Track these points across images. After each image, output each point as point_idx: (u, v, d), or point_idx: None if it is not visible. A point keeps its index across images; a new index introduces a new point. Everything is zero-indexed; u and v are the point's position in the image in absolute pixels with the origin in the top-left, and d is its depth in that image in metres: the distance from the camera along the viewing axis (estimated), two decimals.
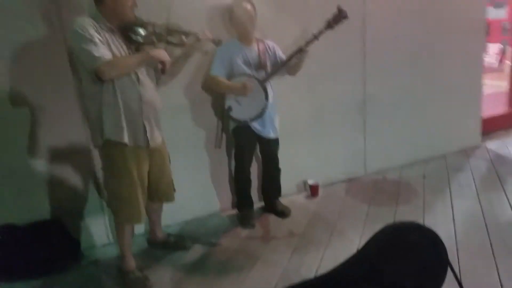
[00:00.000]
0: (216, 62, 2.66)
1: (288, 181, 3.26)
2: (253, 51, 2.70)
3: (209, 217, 3.08)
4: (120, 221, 2.28)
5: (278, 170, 3.02)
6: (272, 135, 2.82)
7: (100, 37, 1.97)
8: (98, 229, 2.74)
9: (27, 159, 2.47)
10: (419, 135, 3.79)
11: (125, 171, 2.18)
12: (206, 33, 2.47)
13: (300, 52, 2.62)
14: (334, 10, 2.61)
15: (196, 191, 3.02)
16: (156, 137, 2.28)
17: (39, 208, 2.55)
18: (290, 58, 2.66)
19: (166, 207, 2.84)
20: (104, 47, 1.97)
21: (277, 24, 2.94)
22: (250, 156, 2.90)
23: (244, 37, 2.69)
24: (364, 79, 3.42)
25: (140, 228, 2.83)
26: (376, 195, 3.29)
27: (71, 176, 2.60)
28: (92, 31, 1.94)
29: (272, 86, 2.80)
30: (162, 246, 2.67)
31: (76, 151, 2.57)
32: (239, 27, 2.64)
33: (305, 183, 3.39)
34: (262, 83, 2.64)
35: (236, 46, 2.69)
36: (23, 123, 2.42)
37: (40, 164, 2.51)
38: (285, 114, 3.08)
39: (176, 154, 2.82)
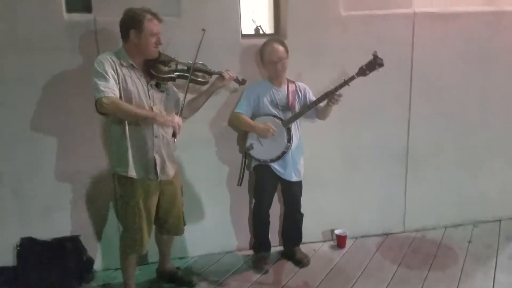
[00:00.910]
0: (243, 100, 2.65)
1: (313, 227, 3.11)
2: (282, 92, 2.65)
3: (224, 255, 3.00)
4: (123, 249, 2.32)
5: (300, 215, 2.88)
6: (294, 178, 2.71)
7: (114, 73, 2.05)
8: (113, 252, 2.77)
9: (54, 179, 2.62)
10: (470, 192, 3.38)
11: (131, 201, 2.23)
12: (229, 72, 2.47)
13: (326, 97, 2.51)
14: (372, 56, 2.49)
15: (214, 226, 2.98)
16: (168, 171, 2.30)
17: (60, 226, 2.68)
18: (316, 102, 2.57)
19: (182, 239, 2.87)
20: (114, 84, 2.04)
21: (314, 67, 2.87)
22: (269, 197, 2.80)
23: (274, 78, 2.65)
24: (407, 124, 3.16)
25: (155, 257, 2.84)
26: (410, 256, 2.98)
27: (94, 199, 2.70)
28: (107, 67, 2.03)
29: (299, 128, 2.71)
30: (169, 279, 2.66)
31: (100, 175, 2.68)
32: (269, 68, 2.61)
33: (332, 232, 3.19)
34: (286, 125, 2.56)
35: (266, 86, 2.66)
36: (53, 145, 2.59)
37: (66, 185, 2.65)
38: (314, 155, 2.98)
39: (197, 187, 2.89)
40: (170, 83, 2.35)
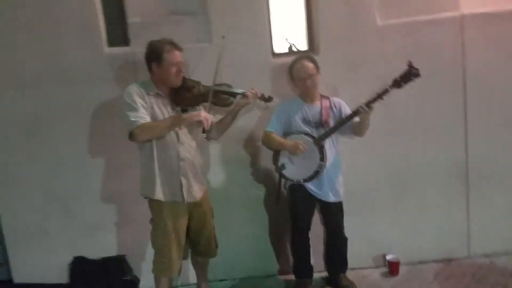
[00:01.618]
0: (273, 119, 2.61)
1: (362, 252, 2.92)
2: (315, 108, 2.56)
3: (265, 279, 2.91)
4: (155, 272, 2.36)
5: (343, 240, 2.69)
6: (332, 199, 2.56)
7: (143, 102, 2.17)
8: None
9: (101, 201, 2.80)
10: None
11: (160, 223, 2.29)
12: (252, 91, 2.46)
13: (358, 112, 2.38)
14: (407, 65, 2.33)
15: (254, 248, 2.93)
16: (195, 193, 2.33)
17: (108, 245, 2.83)
18: (349, 118, 2.44)
19: (222, 261, 2.84)
20: (144, 111, 2.15)
21: (351, 81, 2.75)
22: (306, 218, 2.66)
23: (305, 95, 2.58)
24: (465, 137, 2.85)
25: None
26: (474, 285, 2.63)
27: (138, 219, 2.79)
28: (135, 97, 2.15)
29: (336, 145, 2.58)
30: None
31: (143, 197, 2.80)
32: (299, 85, 2.55)
33: (383, 257, 2.93)
34: (318, 143, 2.46)
35: (297, 103, 2.60)
36: (99, 168, 2.78)
37: (112, 206, 2.82)
38: (360, 174, 2.85)
39: (234, 209, 2.87)
40: (198, 107, 2.41)
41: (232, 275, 2.94)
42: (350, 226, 2.78)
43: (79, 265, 2.78)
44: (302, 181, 2.52)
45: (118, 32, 2.75)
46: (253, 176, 2.85)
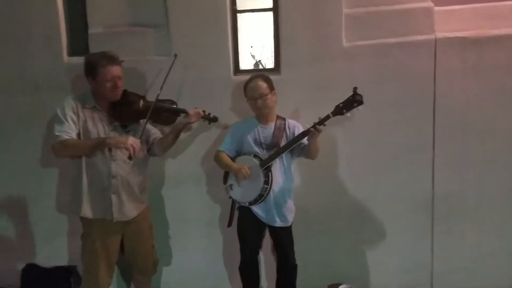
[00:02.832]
0: (226, 138, 2.54)
1: (318, 280, 2.79)
2: (268, 130, 2.47)
3: None
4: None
5: (291, 266, 2.57)
6: (278, 223, 2.46)
7: (74, 116, 2.15)
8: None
9: (55, 211, 2.81)
10: None
11: (88, 240, 2.28)
12: (195, 110, 2.40)
13: (303, 136, 2.29)
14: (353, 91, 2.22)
15: (207, 268, 2.87)
16: (127, 211, 2.29)
17: (62, 255, 2.84)
18: (292, 142, 2.36)
19: (176, 279, 2.84)
20: (72, 126, 2.12)
21: (314, 103, 2.58)
22: (253, 241, 2.57)
23: (259, 115, 2.50)
24: (432, 169, 2.71)
25: None
26: None
27: None
28: (67, 110, 2.14)
29: (286, 169, 2.47)
30: None
31: None
32: (250, 104, 2.46)
33: (337, 286, 2.79)
34: (263, 166, 2.37)
35: (251, 123, 2.51)
36: (54, 178, 2.79)
37: (66, 217, 2.80)
38: (319, 199, 2.75)
39: (188, 226, 2.82)
40: (141, 122, 2.36)
41: None
42: (307, 251, 2.70)
43: (31, 272, 2.80)
44: (247, 203, 2.44)
45: (81, 43, 2.74)
46: (209, 195, 2.79)
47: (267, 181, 2.36)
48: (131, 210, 2.30)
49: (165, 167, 2.77)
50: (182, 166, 2.77)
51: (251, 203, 2.42)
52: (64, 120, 2.12)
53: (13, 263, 2.83)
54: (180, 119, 2.39)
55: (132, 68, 2.63)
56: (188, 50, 2.64)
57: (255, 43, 2.86)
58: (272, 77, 2.57)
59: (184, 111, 2.38)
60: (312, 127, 2.26)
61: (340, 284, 2.76)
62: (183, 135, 2.66)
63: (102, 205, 2.22)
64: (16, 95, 2.70)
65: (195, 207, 2.79)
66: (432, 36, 2.61)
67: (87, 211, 2.21)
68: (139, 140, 2.17)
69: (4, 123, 2.75)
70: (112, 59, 2.21)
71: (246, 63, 2.85)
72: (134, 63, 2.63)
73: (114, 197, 2.23)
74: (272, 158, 2.37)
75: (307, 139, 2.32)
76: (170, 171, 2.78)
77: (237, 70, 2.79)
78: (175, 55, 2.43)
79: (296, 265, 2.58)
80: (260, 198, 2.38)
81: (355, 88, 2.21)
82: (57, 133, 2.10)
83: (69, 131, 2.12)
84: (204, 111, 2.47)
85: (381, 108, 2.64)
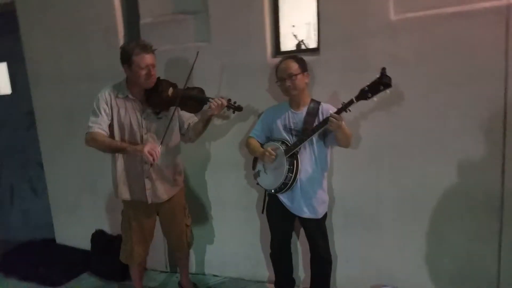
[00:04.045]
0: (257, 124, 2.50)
1: (355, 280, 2.61)
2: (299, 115, 2.33)
3: (254, 283, 2.87)
4: (120, 257, 2.57)
5: (322, 261, 2.43)
6: (305, 214, 2.34)
7: (107, 108, 2.28)
8: (159, 256, 3.10)
9: None
10: None
11: (125, 218, 2.50)
12: (218, 100, 2.35)
13: (325, 123, 2.10)
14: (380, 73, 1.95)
15: (247, 252, 2.89)
16: (161, 194, 2.42)
17: None
18: (314, 130, 2.19)
19: (217, 258, 2.95)
20: (102, 118, 2.26)
21: (355, 86, 2.27)
22: (281, 230, 2.51)
23: (290, 99, 2.38)
24: (502, 162, 2.22)
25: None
26: None
27: None
28: (102, 103, 2.28)
29: (318, 156, 2.31)
30: None
31: None
32: (280, 86, 2.34)
33: None
34: (288, 153, 2.26)
35: (282, 108, 2.41)
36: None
37: None
38: (362, 191, 2.53)
39: (230, 211, 2.89)
40: (175, 109, 2.42)
41: (225, 273, 2.99)
42: (346, 247, 2.58)
43: (99, 237, 3.20)
44: (273, 191, 2.37)
45: (136, 34, 2.94)
46: (247, 179, 2.78)
47: (292, 169, 2.25)
48: (164, 193, 2.44)
49: (204, 151, 2.86)
50: (220, 151, 2.82)
51: (276, 191, 2.35)
52: (98, 112, 2.27)
53: (85, 229, 3.25)
54: (205, 109, 2.43)
55: (175, 56, 2.76)
56: (226, 34, 2.65)
57: (299, 21, 2.70)
58: (311, 58, 2.44)
59: (208, 100, 2.40)
60: (332, 115, 2.06)
61: (385, 286, 2.54)
62: (223, 121, 2.72)
63: (137, 189, 2.39)
64: (81, 85, 3.04)
65: (233, 191, 2.83)
66: (503, 2, 2.12)
67: (123, 194, 2.40)
68: (157, 146, 2.22)
69: (73, 111, 3.13)
70: (146, 48, 2.28)
71: (288, 44, 2.72)
72: (176, 51, 2.75)
73: (147, 181, 2.37)
74: (296, 145, 2.25)
75: (329, 128, 2.13)
76: (209, 155, 2.86)
77: (277, 52, 2.69)
78: (197, 52, 2.43)
79: (329, 259, 2.44)
80: (285, 186, 2.29)
81: (383, 69, 1.93)
82: (90, 124, 2.26)
83: (101, 123, 2.26)
84: (229, 100, 2.43)
85: (433, 91, 2.28)
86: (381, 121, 2.41)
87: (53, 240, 3.48)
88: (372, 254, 2.58)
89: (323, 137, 2.31)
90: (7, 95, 3.58)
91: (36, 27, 3.12)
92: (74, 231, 3.37)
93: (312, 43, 2.68)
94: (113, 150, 2.31)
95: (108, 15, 2.90)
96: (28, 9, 3.14)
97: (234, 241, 2.91)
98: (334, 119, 2.05)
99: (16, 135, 3.60)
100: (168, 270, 3.11)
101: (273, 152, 2.28)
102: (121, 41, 2.91)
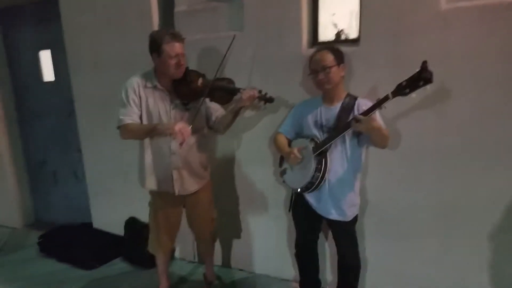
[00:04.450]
0: (287, 119, 2.37)
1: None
2: (332, 111, 2.17)
3: (279, 282, 2.79)
4: (148, 247, 2.58)
5: (348, 266, 2.29)
6: (333, 216, 2.19)
7: (136, 98, 2.23)
8: (188, 246, 3.10)
9: None
10: None
11: (152, 208, 2.49)
12: (249, 92, 2.25)
13: (354, 122, 1.92)
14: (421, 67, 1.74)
15: (274, 249, 2.80)
16: (188, 186, 2.38)
17: None
18: (343, 128, 2.03)
19: (244, 252, 2.90)
20: (134, 109, 2.21)
21: (396, 81, 2.10)
22: (305, 231, 2.40)
23: (324, 93, 2.22)
24: None
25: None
26: None
27: None
28: (130, 93, 2.22)
29: (350, 157, 2.14)
30: (207, 285, 2.76)
31: None
32: (313, 79, 2.18)
33: None
34: (316, 151, 2.12)
35: (315, 103, 2.26)
36: None
37: None
38: (398, 196, 2.36)
39: (258, 207, 2.81)
40: (203, 100, 2.36)
41: (251, 269, 2.93)
42: (377, 255, 2.45)
43: (132, 224, 3.24)
44: (298, 190, 2.25)
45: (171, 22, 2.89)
46: (275, 176, 2.67)
47: (320, 168, 2.12)
48: (191, 185, 2.40)
49: (233, 145, 2.78)
50: (249, 145, 2.73)
51: (302, 190, 2.23)
52: (127, 103, 2.23)
53: (120, 215, 3.31)
54: (236, 98, 2.33)
55: (207, 45, 2.68)
56: (259, 23, 2.52)
57: (341, 9, 2.52)
58: (350, 50, 2.28)
59: (238, 91, 2.30)
60: (365, 114, 1.90)
61: None
62: (252, 114, 2.63)
63: (165, 180, 2.36)
64: (118, 72, 3.02)
65: (261, 187, 2.74)
66: None
67: (150, 185, 2.38)
68: (188, 126, 2.16)
69: (110, 98, 3.08)
70: (176, 36, 2.20)
71: (327, 34, 2.55)
72: (209, 40, 2.67)
73: (175, 173, 2.33)
74: (325, 143, 2.10)
75: (358, 128, 1.95)
76: (238, 149, 2.78)
77: (314, 42, 2.53)
78: (234, 36, 2.33)
79: (357, 266, 2.29)
80: (311, 186, 2.16)
81: (424, 63, 1.73)
82: (121, 117, 2.22)
83: (132, 114, 2.22)
84: (260, 91, 2.33)
85: (488, 89, 2.04)
86: (425, 121, 2.21)
87: (91, 224, 3.58)
88: (406, 265, 2.41)
89: (357, 135, 2.14)
90: (51, 82, 3.68)
91: (76, 15, 3.16)
92: (109, 216, 3.44)
93: (353, 34, 2.49)
94: (147, 134, 2.26)
95: (143, 3, 2.86)
96: None
97: (260, 237, 2.84)
98: (358, 121, 1.89)
99: (59, 121, 3.71)
100: (196, 260, 3.10)
101: (299, 156, 2.17)
102: (156, 29, 2.88)
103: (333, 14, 2.54)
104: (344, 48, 2.22)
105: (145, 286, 2.82)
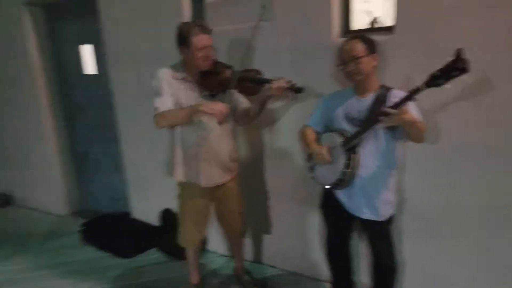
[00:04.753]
0: (315, 111, 2.26)
1: None
2: (364, 103, 2.04)
3: (310, 280, 2.71)
4: (178, 240, 2.59)
5: (383, 268, 2.18)
6: (365, 215, 2.08)
7: (168, 88, 2.21)
8: (220, 239, 3.09)
9: None
10: None
11: (180, 200, 2.49)
12: (279, 82, 2.18)
13: (384, 115, 1.79)
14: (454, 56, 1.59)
15: (306, 247, 2.73)
16: (215, 178, 2.37)
17: None
18: (374, 121, 1.88)
19: (276, 250, 2.86)
20: (167, 97, 2.18)
21: (431, 71, 1.99)
22: (335, 230, 2.30)
23: (355, 85, 2.10)
24: None
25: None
26: None
27: None
28: (163, 83, 2.20)
29: (383, 152, 2.01)
30: (236, 279, 2.74)
31: None
32: (343, 70, 2.05)
33: None
34: (346, 146, 2.01)
35: (346, 94, 2.14)
36: None
37: None
38: (440, 193, 2.20)
39: (289, 203, 2.75)
40: (230, 92, 2.32)
41: (283, 266, 2.87)
42: (417, 257, 2.33)
43: (166, 216, 3.30)
44: (328, 187, 2.15)
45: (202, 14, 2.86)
46: (306, 170, 2.58)
47: (349, 164, 2.01)
48: (218, 177, 2.38)
49: (262, 138, 2.72)
50: (278, 138, 2.66)
51: (332, 187, 2.13)
52: (161, 92, 2.21)
53: (156, 206, 3.38)
54: (264, 90, 2.26)
55: (237, 36, 2.63)
56: (289, 11, 2.42)
57: None
58: (384, 38, 2.14)
59: (267, 82, 2.23)
60: (395, 107, 1.76)
61: None
62: (282, 106, 2.55)
63: (192, 171, 2.35)
64: (153, 65, 3.00)
65: (292, 182, 2.66)
66: None
67: (178, 175, 2.38)
68: (225, 106, 2.11)
69: (145, 91, 3.10)
70: (204, 28, 2.18)
71: (361, 22, 2.41)
72: (239, 30, 2.61)
73: (202, 164, 2.32)
74: (354, 137, 1.99)
75: (389, 121, 1.82)
76: (267, 142, 2.72)
77: (347, 31, 2.40)
78: (264, 6, 2.24)
79: (393, 267, 2.17)
80: (340, 183, 2.06)
81: (458, 50, 1.58)
82: (156, 105, 2.19)
83: (168, 103, 2.20)
84: (289, 82, 2.24)
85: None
86: (466, 114, 2.03)
87: (129, 213, 3.69)
88: (446, 267, 2.25)
89: (392, 128, 1.99)
90: (94, 75, 3.81)
91: (113, 9, 3.22)
92: (146, 207, 3.52)
93: (388, 21, 2.33)
94: (183, 118, 2.19)
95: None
96: None
97: (292, 234, 2.77)
98: (388, 114, 1.76)
99: (101, 112, 3.82)
100: (228, 254, 3.09)
101: (328, 158, 2.07)
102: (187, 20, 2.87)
103: (365, 1, 2.39)
104: (378, 37, 2.10)
105: (178, 276, 2.86)
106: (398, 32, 2.14)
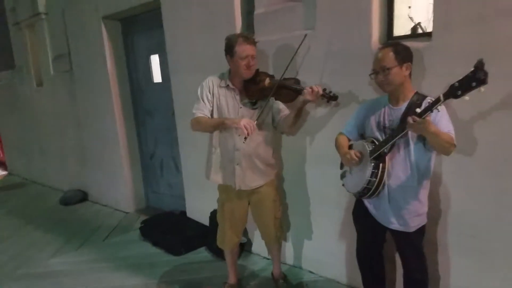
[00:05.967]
0: (350, 119, 2.27)
1: None
2: (397, 112, 2.01)
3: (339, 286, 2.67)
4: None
5: (412, 281, 2.11)
6: (393, 225, 2.04)
7: (209, 95, 2.42)
8: (262, 242, 3.13)
9: None
10: None
11: (219, 203, 2.64)
12: (313, 88, 2.22)
13: (404, 127, 1.75)
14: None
15: (345, 255, 2.71)
16: (249, 182, 2.47)
17: None
18: (397, 131, 1.87)
19: (315, 256, 2.89)
20: (206, 105, 2.41)
21: None
22: (365, 238, 2.27)
23: (389, 94, 2.07)
24: None
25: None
26: None
27: None
28: (205, 90, 2.43)
29: (414, 162, 1.96)
30: (274, 283, 2.79)
31: None
32: (375, 81, 2.05)
33: None
34: (374, 154, 1.98)
35: (380, 103, 2.12)
36: None
37: None
38: (476, 211, 2.09)
39: (330, 209, 2.76)
40: (270, 99, 2.41)
41: (321, 272, 2.87)
42: (452, 270, 2.22)
43: (214, 217, 3.41)
44: (355, 195, 2.14)
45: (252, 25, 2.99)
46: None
47: (376, 173, 1.99)
48: (253, 181, 2.47)
49: (304, 145, 2.76)
50: (320, 145, 2.69)
51: (360, 195, 2.12)
52: (201, 99, 2.44)
53: (208, 206, 3.51)
54: (300, 98, 2.32)
55: (283, 45, 2.72)
56: (331, 19, 2.47)
57: (417, 2, 2.30)
58: (420, 44, 2.09)
59: (304, 89, 2.29)
60: (419, 116, 1.72)
61: None
62: (324, 113, 2.57)
63: (228, 174, 2.48)
64: (209, 73, 3.19)
65: (333, 189, 2.64)
66: None
67: (215, 178, 2.53)
68: (253, 121, 2.26)
69: None
70: (247, 39, 2.34)
71: (403, 28, 2.36)
72: (284, 39, 2.70)
73: (237, 168, 2.44)
74: (381, 145, 1.96)
75: (411, 130, 1.79)
76: (309, 149, 2.76)
77: (389, 37, 2.36)
78: (305, 35, 2.37)
79: (423, 281, 2.10)
80: (368, 192, 2.04)
81: (479, 62, 1.51)
82: (194, 111, 2.44)
83: (203, 109, 2.42)
84: (324, 89, 2.29)
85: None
86: (506, 124, 1.90)
87: (185, 213, 3.93)
88: (482, 284, 2.10)
89: (423, 138, 1.93)
90: (159, 83, 4.14)
91: (175, 22, 3.49)
92: (199, 207, 3.71)
93: (430, 27, 2.25)
94: (215, 127, 2.43)
95: (229, 8, 3.02)
96: (169, 5, 3.51)
97: (332, 240, 2.76)
98: (410, 122, 1.72)
99: (166, 117, 4.14)
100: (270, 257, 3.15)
101: (354, 156, 2.06)
102: (238, 31, 3.02)
103: (409, 7, 2.33)
104: (417, 43, 2.06)
105: (223, 276, 2.97)
106: (435, 38, 2.07)
